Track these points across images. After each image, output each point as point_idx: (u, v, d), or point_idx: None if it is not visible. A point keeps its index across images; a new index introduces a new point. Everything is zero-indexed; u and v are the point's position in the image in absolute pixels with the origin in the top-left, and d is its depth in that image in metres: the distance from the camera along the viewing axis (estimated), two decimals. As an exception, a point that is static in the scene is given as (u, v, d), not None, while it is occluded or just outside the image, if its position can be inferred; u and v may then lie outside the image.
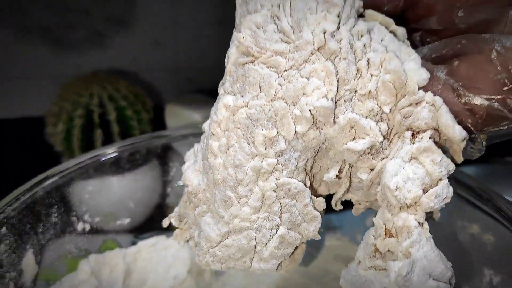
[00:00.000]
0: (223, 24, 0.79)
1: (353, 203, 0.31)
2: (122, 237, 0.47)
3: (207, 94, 0.72)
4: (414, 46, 0.28)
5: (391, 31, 0.27)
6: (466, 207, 0.37)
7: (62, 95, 0.63)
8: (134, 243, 0.46)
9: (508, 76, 0.23)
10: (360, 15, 0.27)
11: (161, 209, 0.49)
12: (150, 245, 0.46)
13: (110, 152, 0.44)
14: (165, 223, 0.34)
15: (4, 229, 0.35)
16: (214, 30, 0.79)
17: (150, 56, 0.81)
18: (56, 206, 0.40)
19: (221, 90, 0.29)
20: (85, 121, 0.60)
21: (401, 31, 0.28)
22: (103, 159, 0.44)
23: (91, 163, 0.43)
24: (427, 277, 0.24)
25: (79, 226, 0.43)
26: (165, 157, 0.48)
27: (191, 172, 0.30)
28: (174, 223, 0.34)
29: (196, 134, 0.47)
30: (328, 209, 0.31)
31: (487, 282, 0.35)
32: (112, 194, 0.47)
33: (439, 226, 0.39)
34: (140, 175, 0.48)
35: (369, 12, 0.27)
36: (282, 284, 0.47)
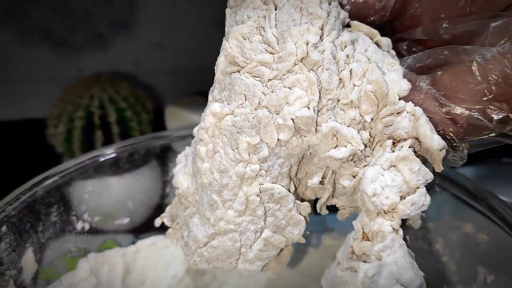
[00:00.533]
0: (223, 26, 0.79)
1: (338, 208, 0.31)
2: (122, 237, 0.47)
3: (207, 96, 0.72)
4: (400, 55, 0.29)
5: (376, 42, 0.28)
6: (461, 206, 0.38)
7: (63, 97, 0.63)
8: (134, 243, 0.46)
9: (487, 86, 0.24)
10: (347, 25, 0.28)
11: (160, 209, 0.49)
12: (149, 244, 0.46)
13: (110, 152, 0.45)
14: (157, 222, 0.35)
15: (4, 228, 0.35)
16: (214, 32, 0.79)
17: (151, 58, 0.81)
18: (56, 206, 0.40)
19: (210, 97, 0.29)
20: (86, 123, 0.61)
21: (386, 41, 0.28)
22: (103, 159, 0.44)
23: (91, 163, 0.43)
24: (394, 282, 0.25)
25: (79, 226, 0.43)
26: (164, 158, 0.49)
27: (181, 175, 0.31)
28: (167, 223, 0.35)
29: (195, 135, 0.47)
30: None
31: (481, 280, 0.35)
32: (111, 194, 0.47)
33: (435, 225, 0.40)
34: (139, 175, 0.48)
35: (355, 23, 0.28)
36: (280, 283, 0.47)
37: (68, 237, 0.42)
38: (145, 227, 0.48)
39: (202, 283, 0.46)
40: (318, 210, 0.31)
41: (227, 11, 0.28)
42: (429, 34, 0.27)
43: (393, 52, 0.29)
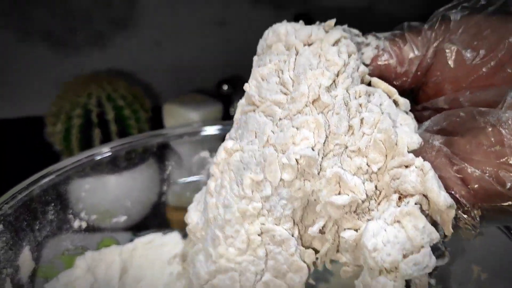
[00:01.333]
0: (223, 25, 0.79)
1: (343, 264, 0.30)
2: (120, 235, 0.47)
3: (204, 94, 0.72)
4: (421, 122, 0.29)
5: (394, 100, 0.28)
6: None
7: (61, 95, 0.63)
8: (132, 241, 0.46)
9: (501, 149, 0.23)
10: (369, 84, 0.28)
11: (157, 207, 0.49)
12: (147, 242, 0.46)
13: (107, 150, 0.45)
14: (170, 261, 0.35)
15: (1, 226, 0.35)
16: (214, 31, 0.79)
17: (150, 57, 0.81)
18: (52, 204, 0.41)
19: (227, 136, 0.30)
20: (84, 121, 0.61)
21: (404, 101, 0.28)
22: (100, 157, 0.44)
23: (88, 162, 0.43)
24: None
25: (76, 224, 0.43)
26: (162, 156, 0.49)
27: (193, 211, 0.32)
28: (178, 263, 0.35)
29: (192, 133, 0.47)
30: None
31: (475, 278, 0.35)
32: (108, 192, 0.47)
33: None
34: (137, 173, 0.48)
35: (374, 80, 0.28)
36: None
37: (65, 235, 0.42)
38: (142, 225, 0.48)
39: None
40: (319, 262, 0.30)
41: (255, 58, 0.29)
42: (450, 103, 0.27)
43: (411, 114, 0.28)
